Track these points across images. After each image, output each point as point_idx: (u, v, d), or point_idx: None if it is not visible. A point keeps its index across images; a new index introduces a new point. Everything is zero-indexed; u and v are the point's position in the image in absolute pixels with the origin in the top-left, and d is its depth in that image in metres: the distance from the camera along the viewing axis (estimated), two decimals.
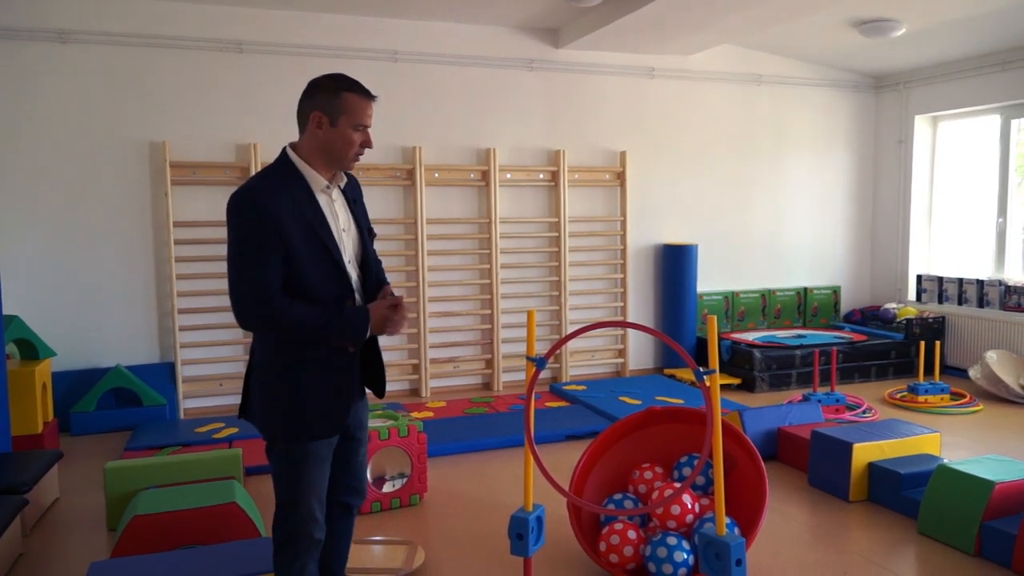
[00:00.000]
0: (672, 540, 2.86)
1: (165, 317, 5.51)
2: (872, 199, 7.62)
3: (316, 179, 2.23)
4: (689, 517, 2.93)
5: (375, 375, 2.42)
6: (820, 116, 7.32)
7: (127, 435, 5.01)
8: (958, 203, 7.10)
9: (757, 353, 6.18)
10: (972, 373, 6.05)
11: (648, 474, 3.25)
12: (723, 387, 6.18)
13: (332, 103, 2.19)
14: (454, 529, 3.58)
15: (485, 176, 6.16)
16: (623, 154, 6.56)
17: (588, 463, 3.34)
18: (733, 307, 7.12)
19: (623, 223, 6.61)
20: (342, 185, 2.33)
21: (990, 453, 4.50)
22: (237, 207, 2.14)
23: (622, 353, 6.69)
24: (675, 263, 6.71)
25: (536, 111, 6.27)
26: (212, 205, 5.48)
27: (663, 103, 6.73)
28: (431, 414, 5.34)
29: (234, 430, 4.90)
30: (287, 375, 2.20)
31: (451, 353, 6.22)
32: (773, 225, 7.24)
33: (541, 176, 6.33)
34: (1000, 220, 6.64)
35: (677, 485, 3.00)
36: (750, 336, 6.77)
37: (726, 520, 2.90)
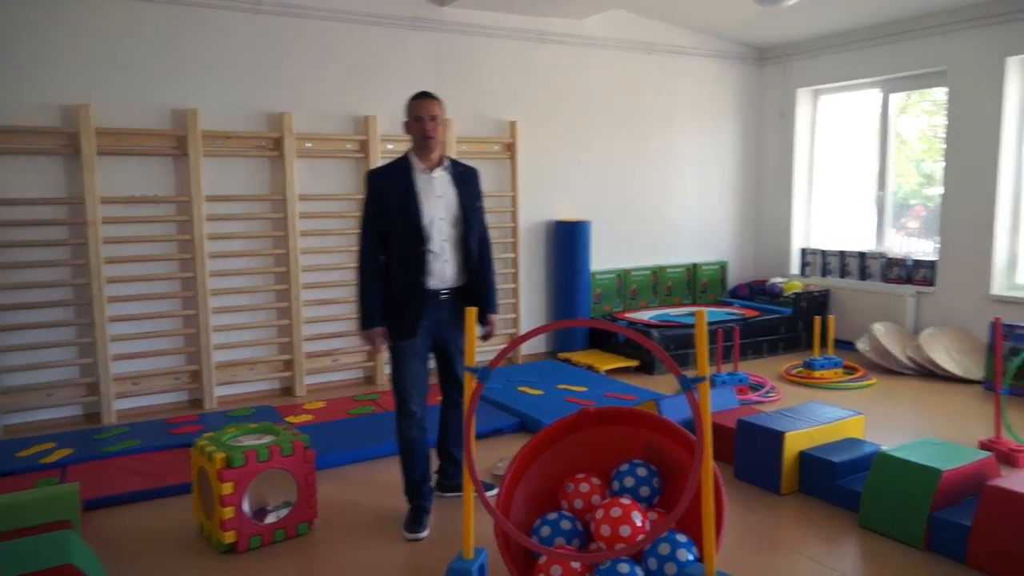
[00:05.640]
0: (624, 567, 2.45)
1: None
2: (756, 173, 7.58)
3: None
4: (640, 537, 2.53)
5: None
6: (708, 88, 7.16)
7: None
8: (839, 176, 7.16)
9: (655, 333, 5.94)
10: (860, 346, 6.08)
11: (584, 486, 2.82)
12: (620, 370, 5.91)
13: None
14: (354, 562, 3.01)
15: (364, 147, 5.50)
16: (513, 124, 6.09)
17: (515, 476, 2.87)
18: (625, 285, 6.87)
19: (514, 198, 6.16)
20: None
21: (899, 428, 4.45)
22: None
23: (513, 337, 6.27)
24: (568, 241, 6.35)
25: (420, 76, 5.65)
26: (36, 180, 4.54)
27: (555, 70, 6.31)
28: (310, 417, 4.69)
29: (67, 451, 4.06)
30: None
31: (329, 345, 5.56)
32: (663, 200, 7.03)
33: None
34: (880, 193, 6.73)
35: (625, 501, 2.58)
36: (645, 315, 6.54)
37: (682, 538, 2.53)
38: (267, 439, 3.17)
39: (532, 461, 2.93)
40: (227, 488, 2.95)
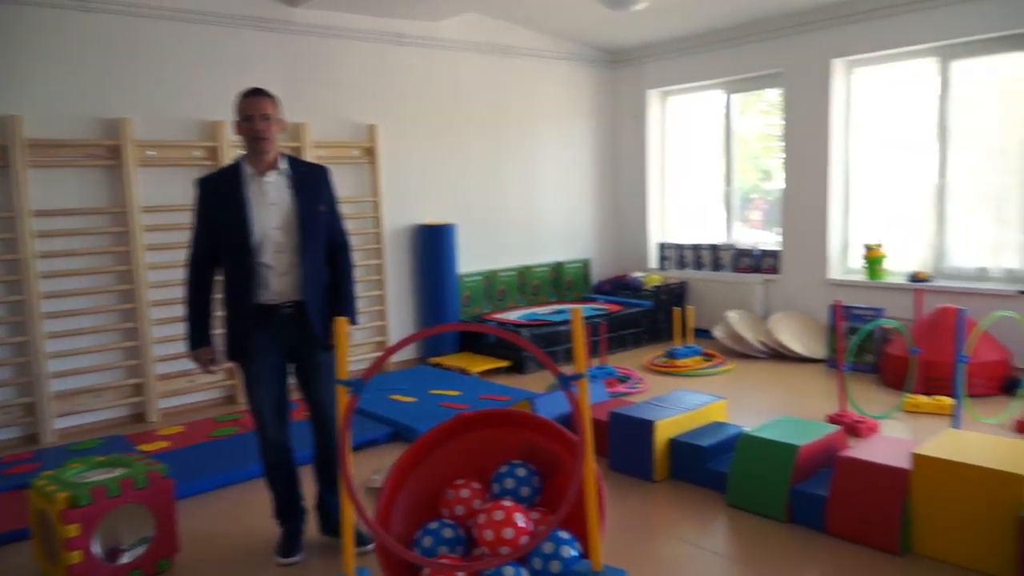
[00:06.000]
0: (509, 571, 2.42)
1: None
2: (614, 172, 7.82)
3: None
4: (524, 539, 2.51)
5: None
6: (565, 90, 7.31)
7: None
8: (690, 173, 7.50)
9: (524, 333, 5.99)
10: (717, 333, 6.40)
11: (464, 491, 2.77)
12: (492, 371, 5.91)
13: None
14: None
15: (214, 154, 5.20)
16: (373, 127, 5.96)
17: (393, 487, 2.77)
18: (493, 286, 6.89)
19: (376, 204, 6.03)
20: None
21: (758, 408, 4.70)
22: None
23: (382, 346, 6.13)
24: (434, 244, 6.29)
25: (272, 78, 5.36)
26: None
27: (414, 73, 6.23)
28: (167, 444, 4.38)
29: None
30: None
31: (184, 365, 5.20)
32: (526, 200, 7.11)
33: None
34: (726, 188, 7.11)
35: (507, 503, 2.55)
36: (513, 315, 6.58)
37: (565, 535, 2.54)
38: (118, 472, 2.91)
39: (410, 471, 2.84)
40: (72, 530, 2.68)
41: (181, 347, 5.13)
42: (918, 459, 2.89)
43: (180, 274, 5.04)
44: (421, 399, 5.04)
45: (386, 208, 6.09)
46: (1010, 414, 4.33)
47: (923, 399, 4.63)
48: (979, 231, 5.59)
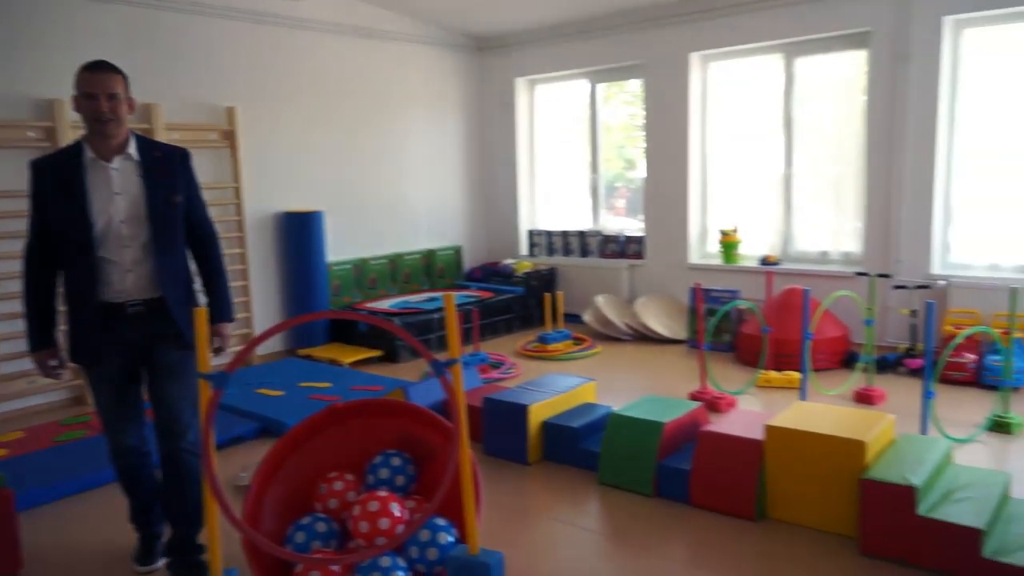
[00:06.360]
0: (385, 561, 2.39)
1: None
2: (484, 159, 7.84)
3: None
4: (400, 528, 2.48)
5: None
6: (433, 76, 7.25)
7: None
8: (558, 161, 7.64)
9: (396, 321, 5.92)
10: (586, 317, 6.57)
11: (338, 484, 2.71)
12: (364, 361, 5.81)
13: None
14: None
15: (50, 134, 4.79)
16: (232, 110, 5.68)
17: (261, 484, 2.67)
18: (363, 275, 6.76)
19: (237, 190, 5.76)
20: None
21: (625, 389, 4.87)
22: None
23: (247, 339, 5.88)
24: (301, 232, 6.09)
25: (115, 54, 4.95)
26: None
27: (276, 54, 5.98)
28: (5, 452, 4.01)
29: None
30: None
31: (23, 366, 4.78)
32: (396, 187, 7.01)
33: None
34: (593, 176, 7.30)
35: (382, 493, 2.51)
36: (385, 304, 6.49)
37: (442, 522, 2.54)
38: None
39: (279, 466, 2.75)
40: None
41: (20, 345, 4.75)
42: (770, 430, 3.09)
43: (18, 266, 4.63)
44: (290, 392, 4.88)
45: (248, 195, 5.83)
46: (850, 385, 4.71)
47: (774, 374, 4.95)
48: (821, 218, 6.03)
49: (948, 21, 5.13)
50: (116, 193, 2.59)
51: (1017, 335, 4.65)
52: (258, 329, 5.94)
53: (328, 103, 6.37)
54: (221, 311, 2.84)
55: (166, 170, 2.69)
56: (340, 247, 6.50)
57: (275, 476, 2.73)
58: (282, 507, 2.70)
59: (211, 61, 5.60)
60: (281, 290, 6.17)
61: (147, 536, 2.91)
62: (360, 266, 6.72)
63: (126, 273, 2.61)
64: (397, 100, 6.93)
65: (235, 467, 3.77)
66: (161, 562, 2.88)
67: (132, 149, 2.65)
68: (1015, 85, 5.05)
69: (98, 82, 2.53)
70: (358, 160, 6.66)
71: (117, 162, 2.61)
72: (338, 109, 6.45)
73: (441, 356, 2.18)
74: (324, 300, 6.25)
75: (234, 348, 5.77)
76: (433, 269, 7.36)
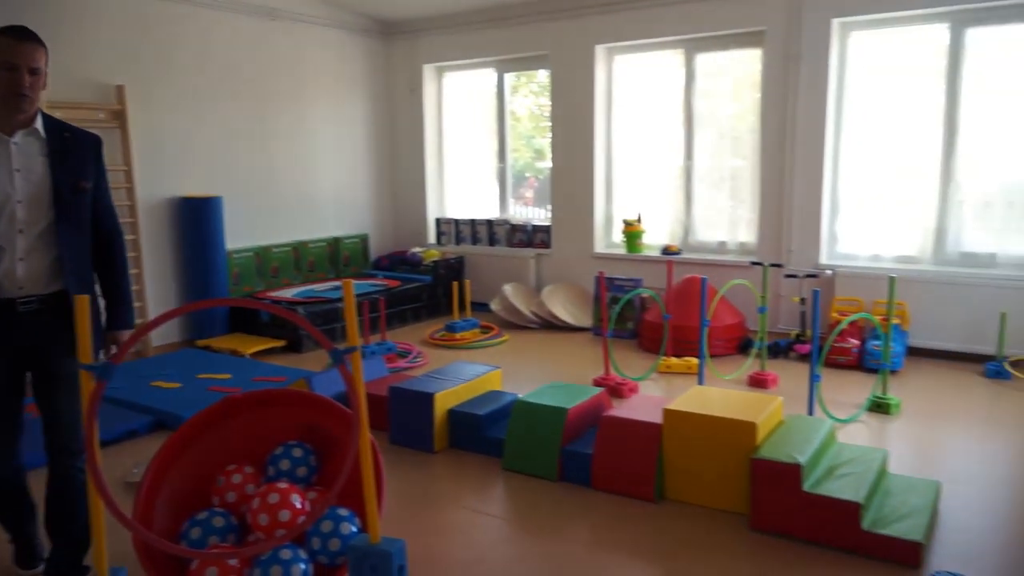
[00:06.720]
0: (286, 554, 2.35)
1: None
2: (391, 147, 7.74)
3: None
4: (301, 519, 2.44)
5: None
6: (337, 60, 7.10)
7: None
8: (466, 150, 7.62)
9: (300, 310, 5.79)
10: (493, 306, 6.61)
11: (236, 477, 2.64)
12: (267, 352, 5.67)
13: None
14: None
15: None
16: (120, 89, 5.40)
17: (154, 479, 2.57)
18: (266, 263, 6.57)
19: (128, 173, 5.49)
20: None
21: (531, 376, 4.93)
22: None
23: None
24: (198, 219, 5.86)
25: None
26: None
27: (169, 32, 5.72)
28: None
29: None
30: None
31: None
32: (300, 173, 6.84)
33: None
34: (500, 166, 7.33)
35: (282, 485, 2.46)
36: (289, 293, 6.34)
37: (344, 512, 2.51)
38: None
39: (173, 461, 2.65)
40: None
41: None
42: (668, 414, 3.19)
43: None
44: (187, 384, 4.71)
45: (140, 179, 5.57)
46: (745, 370, 4.92)
47: (675, 360, 5.12)
48: (719, 209, 6.25)
49: (836, 24, 5.40)
50: (16, 170, 2.34)
51: (895, 321, 4.97)
52: (150, 317, 5.68)
53: (227, 84, 6.15)
54: (122, 315, 2.60)
55: (77, 154, 2.46)
56: (240, 234, 6.30)
57: (169, 471, 2.63)
58: (177, 503, 2.61)
59: (99, 36, 5.30)
60: (177, 279, 5.92)
61: (22, 537, 2.70)
62: (262, 254, 6.53)
63: (16, 262, 2.35)
64: (301, 84, 6.75)
65: (128, 463, 3.61)
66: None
67: (39, 126, 2.40)
68: (896, 86, 5.37)
69: (23, 53, 2.28)
70: (259, 145, 6.46)
71: (19, 137, 2.36)
72: (238, 91, 6.23)
73: (343, 345, 2.15)
74: (223, 289, 6.05)
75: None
76: (339, 257, 7.23)
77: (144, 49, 5.57)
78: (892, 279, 4.36)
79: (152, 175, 5.66)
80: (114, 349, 2.57)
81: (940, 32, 5.17)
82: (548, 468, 3.42)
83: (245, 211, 6.32)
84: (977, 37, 5.07)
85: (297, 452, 2.71)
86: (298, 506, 2.44)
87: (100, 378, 1.87)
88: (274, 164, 6.60)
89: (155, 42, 5.64)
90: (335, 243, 7.20)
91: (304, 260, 6.91)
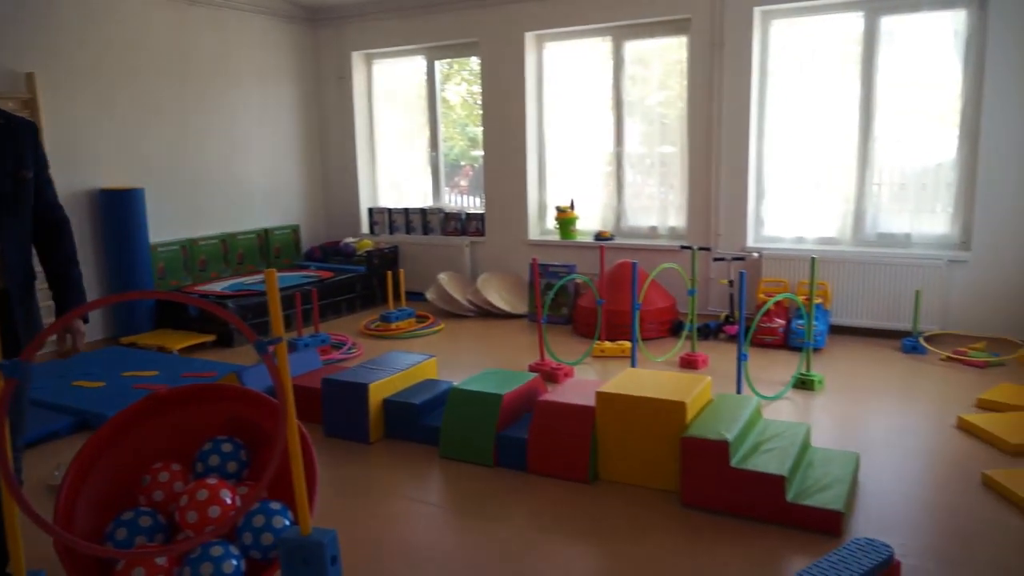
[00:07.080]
0: (217, 550, 2.30)
1: None
2: (320, 135, 7.62)
3: None
4: (232, 514, 2.39)
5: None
6: (263, 47, 6.93)
7: None
8: (398, 138, 7.55)
9: (229, 304, 5.66)
10: (429, 295, 6.58)
11: (164, 475, 2.56)
12: (197, 346, 5.53)
13: None
14: None
15: None
16: (31, 76, 5.16)
17: (75, 480, 2.48)
18: (192, 256, 6.39)
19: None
20: None
21: (467, 364, 4.94)
22: None
23: None
24: (119, 211, 5.67)
25: None
26: None
27: (84, 19, 5.50)
28: None
29: None
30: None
31: None
32: (227, 164, 6.67)
33: None
34: (433, 153, 7.28)
35: (212, 481, 2.41)
36: (217, 286, 6.18)
37: (276, 506, 2.48)
38: None
39: (96, 460, 2.56)
40: None
41: None
42: (600, 396, 3.25)
43: None
44: (112, 382, 4.56)
45: (56, 171, 5.28)
46: (676, 352, 5.03)
47: (608, 344, 5.19)
48: (650, 194, 6.36)
49: (758, 12, 5.54)
50: None
51: (817, 300, 5.16)
52: None
53: (146, 72, 5.94)
54: (75, 303, 2.49)
55: (13, 141, 2.30)
56: (165, 227, 6.12)
57: (92, 471, 2.55)
58: (102, 504, 2.52)
59: (5, 22, 5.05)
60: (98, 275, 5.72)
61: None
62: (188, 247, 6.35)
63: None
64: (225, 72, 6.58)
65: (49, 465, 3.49)
66: None
67: None
68: (816, 73, 5.54)
69: None
70: (183, 135, 6.27)
71: None
72: (158, 79, 6.03)
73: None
74: (148, 284, 5.87)
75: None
76: (269, 249, 7.09)
77: (56, 36, 5.34)
78: (814, 260, 4.51)
79: (68, 167, 5.43)
80: (70, 339, 2.46)
81: (856, 20, 5.36)
82: (484, 454, 3.44)
83: (170, 203, 6.14)
84: (890, 25, 5.28)
85: (227, 447, 2.65)
86: (228, 502, 2.39)
87: (9, 376, 1.78)
88: (199, 154, 6.42)
89: (68, 28, 5.41)
90: (265, 235, 7.05)
91: (233, 253, 6.75)
